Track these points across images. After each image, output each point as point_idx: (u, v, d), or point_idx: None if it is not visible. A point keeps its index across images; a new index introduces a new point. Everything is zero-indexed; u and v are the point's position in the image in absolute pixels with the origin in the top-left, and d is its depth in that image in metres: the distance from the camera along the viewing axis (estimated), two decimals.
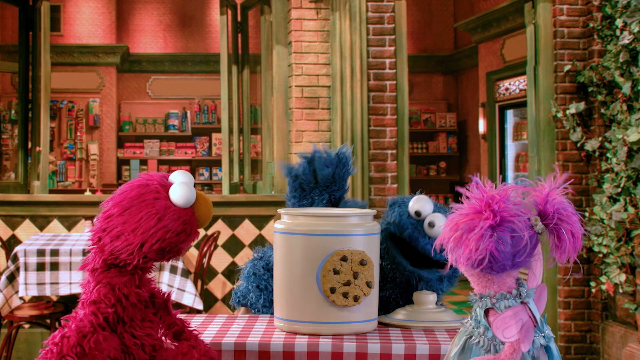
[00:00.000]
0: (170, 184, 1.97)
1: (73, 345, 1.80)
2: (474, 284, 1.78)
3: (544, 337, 1.76)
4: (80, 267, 2.00)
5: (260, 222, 5.74)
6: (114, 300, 1.87)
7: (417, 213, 2.51)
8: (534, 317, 1.74)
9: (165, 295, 2.03)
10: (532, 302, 1.76)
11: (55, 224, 5.65)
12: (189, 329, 2.04)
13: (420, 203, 2.52)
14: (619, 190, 4.97)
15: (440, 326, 2.35)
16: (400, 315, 2.41)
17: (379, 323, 2.41)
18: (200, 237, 5.63)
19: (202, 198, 1.98)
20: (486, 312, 1.74)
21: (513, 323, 1.70)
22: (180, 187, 1.94)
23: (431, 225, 2.48)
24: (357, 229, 2.25)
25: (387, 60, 5.54)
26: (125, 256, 1.88)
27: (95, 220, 1.99)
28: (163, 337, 2.01)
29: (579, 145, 5.58)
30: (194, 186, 1.99)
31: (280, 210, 2.36)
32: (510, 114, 8.82)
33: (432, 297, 2.43)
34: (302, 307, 2.24)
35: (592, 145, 5.45)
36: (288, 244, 2.27)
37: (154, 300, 2.00)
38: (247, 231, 5.75)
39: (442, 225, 2.28)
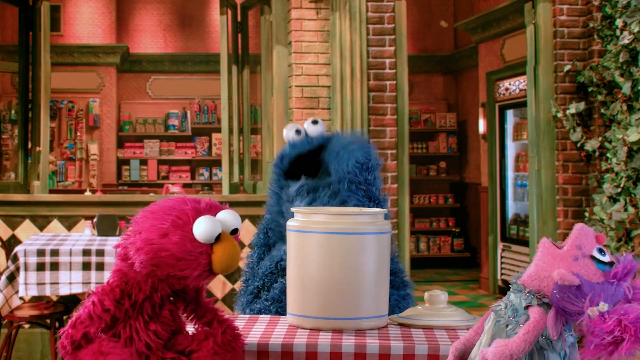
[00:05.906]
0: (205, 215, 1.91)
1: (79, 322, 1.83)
2: (529, 277, 1.78)
3: (572, 335, 1.79)
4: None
5: (260, 222, 5.73)
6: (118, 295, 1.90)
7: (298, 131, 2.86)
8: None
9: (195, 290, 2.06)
10: None
11: (55, 224, 5.65)
12: (219, 319, 2.06)
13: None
14: (619, 190, 4.97)
15: (455, 326, 2.35)
16: (413, 314, 2.42)
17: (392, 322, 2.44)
18: None
19: (227, 240, 1.94)
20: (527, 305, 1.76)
21: (554, 322, 1.73)
22: (205, 220, 1.87)
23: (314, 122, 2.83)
24: (370, 228, 2.30)
25: (387, 60, 5.54)
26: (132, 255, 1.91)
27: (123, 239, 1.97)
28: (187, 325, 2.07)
29: (579, 145, 5.58)
30: (226, 231, 1.94)
31: (293, 209, 2.41)
32: (510, 114, 8.81)
33: (443, 296, 2.45)
34: (317, 304, 2.29)
35: (592, 145, 5.45)
36: (301, 242, 2.33)
37: (185, 297, 2.05)
38: (247, 231, 5.74)
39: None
